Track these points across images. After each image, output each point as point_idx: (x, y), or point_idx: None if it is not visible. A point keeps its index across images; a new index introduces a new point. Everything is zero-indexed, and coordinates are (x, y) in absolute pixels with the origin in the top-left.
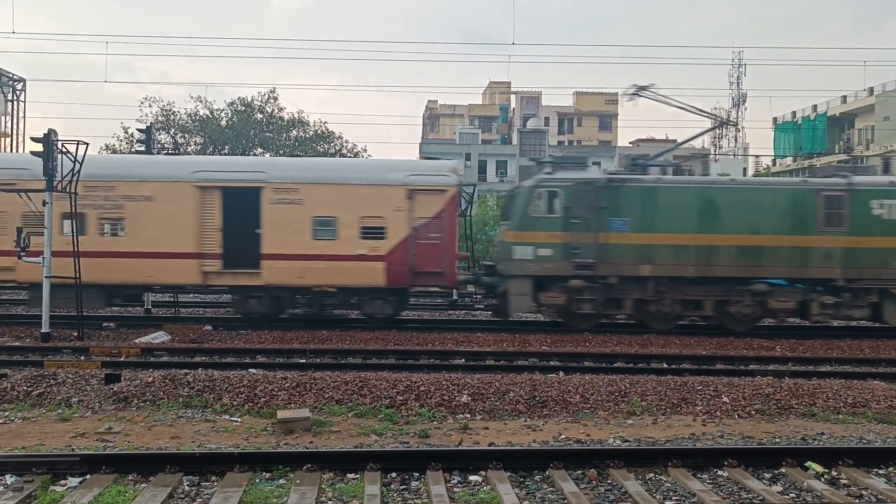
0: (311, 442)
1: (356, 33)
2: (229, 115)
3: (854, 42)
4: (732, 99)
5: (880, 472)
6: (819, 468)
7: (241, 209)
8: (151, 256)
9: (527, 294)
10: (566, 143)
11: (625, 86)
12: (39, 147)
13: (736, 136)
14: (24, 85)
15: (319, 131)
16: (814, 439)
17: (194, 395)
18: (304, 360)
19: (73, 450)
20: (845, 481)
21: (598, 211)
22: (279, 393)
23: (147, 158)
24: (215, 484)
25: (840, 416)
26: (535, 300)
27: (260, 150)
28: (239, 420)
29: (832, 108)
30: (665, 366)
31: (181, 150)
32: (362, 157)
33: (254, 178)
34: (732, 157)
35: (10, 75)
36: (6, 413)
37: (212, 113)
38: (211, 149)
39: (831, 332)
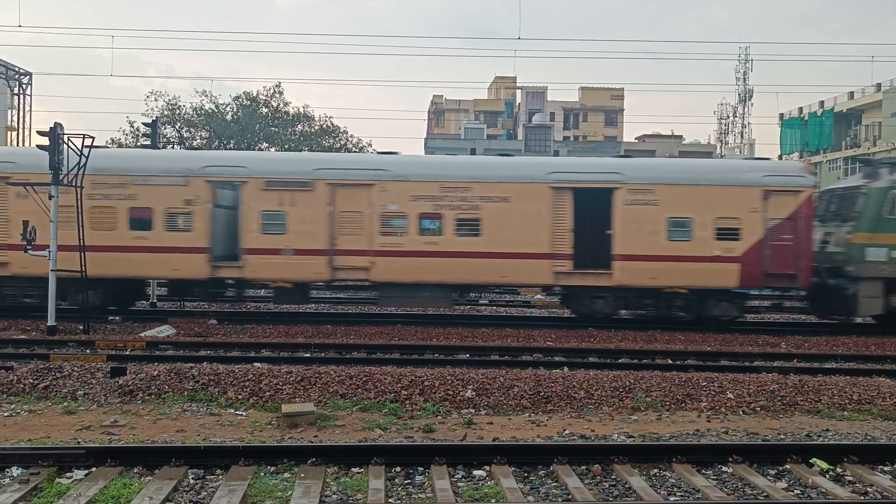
0: (316, 436)
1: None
2: (234, 110)
3: (861, 38)
4: (739, 95)
5: (885, 469)
6: (824, 465)
7: (591, 209)
8: (506, 257)
9: (877, 296)
10: (571, 139)
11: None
12: (45, 140)
13: (742, 132)
14: (31, 79)
15: (324, 126)
16: (819, 436)
17: (199, 389)
18: (308, 355)
19: (78, 442)
20: (850, 478)
21: None
22: (284, 387)
23: (503, 160)
24: (220, 477)
25: (845, 413)
26: (885, 302)
27: (265, 144)
28: (244, 414)
29: (839, 104)
30: (670, 362)
31: (186, 144)
32: (367, 151)
33: (608, 178)
34: (738, 152)
35: (17, 69)
36: (12, 406)
37: (217, 107)
38: (216, 143)
39: (837, 328)
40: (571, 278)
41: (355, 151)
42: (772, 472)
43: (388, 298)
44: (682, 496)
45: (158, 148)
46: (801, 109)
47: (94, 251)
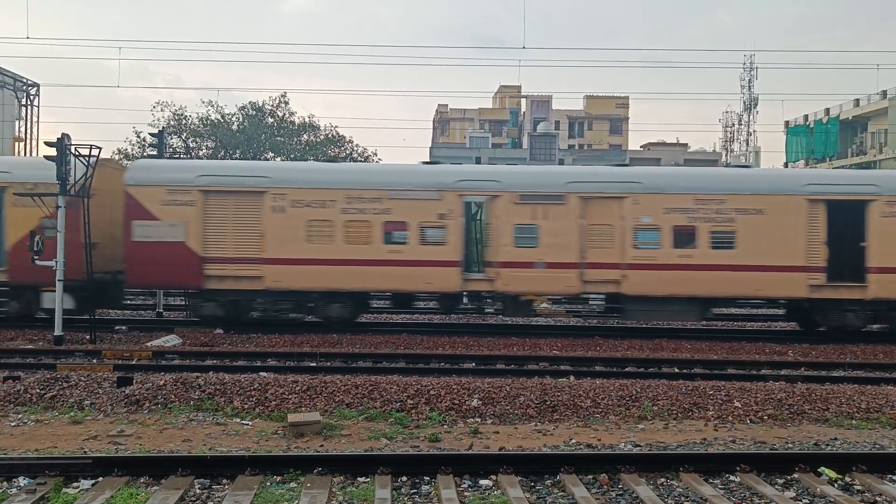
0: (322, 445)
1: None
2: (240, 120)
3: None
4: (744, 102)
5: (895, 478)
6: (832, 474)
7: (844, 221)
8: (761, 270)
9: None
10: (577, 147)
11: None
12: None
13: (747, 140)
14: (38, 90)
15: (330, 135)
16: (827, 445)
17: (205, 399)
18: (314, 364)
19: (85, 452)
20: (859, 487)
21: None
22: (290, 396)
23: (757, 172)
24: (226, 487)
25: (853, 422)
26: None
27: (271, 154)
28: (250, 423)
29: (845, 111)
30: (676, 370)
31: (192, 154)
32: (372, 160)
33: (863, 190)
34: (743, 160)
35: (24, 80)
36: (19, 415)
37: (223, 117)
38: (222, 153)
39: (844, 336)
40: (824, 291)
41: (360, 161)
42: (780, 481)
43: (636, 312)
44: None
45: (165, 157)
46: (806, 117)
47: (349, 265)
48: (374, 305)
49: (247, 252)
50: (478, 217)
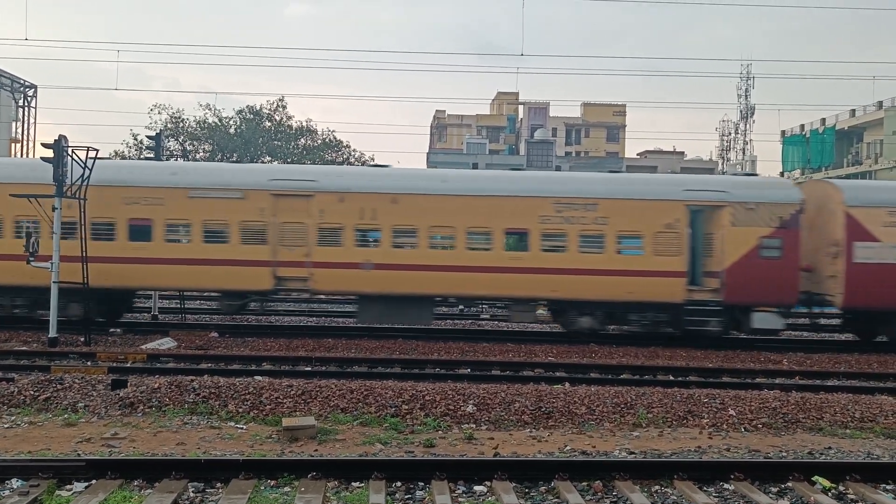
0: (316, 450)
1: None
2: (238, 123)
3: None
4: (740, 111)
5: (888, 487)
6: (826, 483)
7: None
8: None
9: None
10: (574, 154)
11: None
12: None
13: (744, 149)
14: (36, 91)
15: (327, 140)
16: (821, 454)
17: (200, 402)
18: (309, 368)
19: (78, 455)
20: (853, 496)
21: None
22: (285, 400)
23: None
24: (220, 491)
25: (848, 431)
26: None
27: (268, 157)
28: (244, 427)
29: (841, 121)
30: (671, 378)
31: (189, 157)
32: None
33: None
34: (740, 168)
35: (22, 81)
36: (13, 417)
37: (220, 120)
38: (219, 156)
39: (839, 346)
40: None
41: (357, 165)
42: (774, 489)
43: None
44: None
45: (161, 160)
46: (802, 126)
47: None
48: None
49: None
50: None
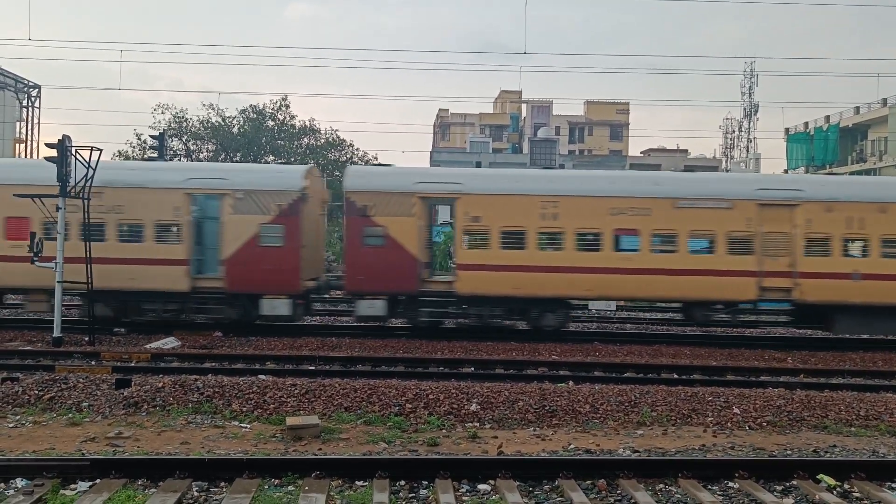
0: (320, 449)
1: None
2: (241, 123)
3: (867, 53)
4: (744, 109)
5: (893, 485)
6: (831, 481)
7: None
8: None
9: None
10: (577, 153)
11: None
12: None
13: (748, 146)
14: (39, 91)
15: (330, 139)
16: (826, 452)
17: (204, 401)
18: (313, 367)
19: (83, 454)
20: (858, 494)
21: None
22: (288, 400)
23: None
24: (224, 490)
25: (852, 429)
26: None
27: (271, 157)
28: (248, 426)
29: (845, 118)
30: (675, 376)
31: (193, 157)
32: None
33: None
34: (744, 167)
35: (26, 82)
36: (17, 417)
37: (224, 120)
38: (223, 156)
39: (844, 344)
40: None
41: (360, 164)
42: (778, 487)
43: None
44: None
45: (166, 160)
46: (806, 124)
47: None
48: None
49: None
50: None
